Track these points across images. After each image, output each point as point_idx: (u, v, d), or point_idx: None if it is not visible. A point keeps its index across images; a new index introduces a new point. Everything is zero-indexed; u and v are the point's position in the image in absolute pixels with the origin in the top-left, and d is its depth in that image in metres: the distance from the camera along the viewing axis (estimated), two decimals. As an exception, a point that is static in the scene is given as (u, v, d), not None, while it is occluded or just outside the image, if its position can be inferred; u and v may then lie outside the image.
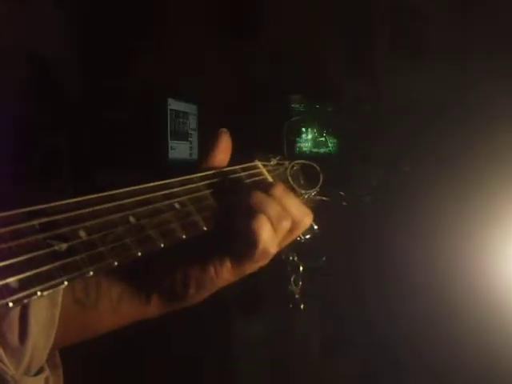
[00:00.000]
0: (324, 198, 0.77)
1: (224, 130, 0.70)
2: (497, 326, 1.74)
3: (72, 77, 2.16)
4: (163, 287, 0.68)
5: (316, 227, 0.72)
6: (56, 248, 0.44)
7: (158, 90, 2.28)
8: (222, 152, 0.69)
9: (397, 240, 1.94)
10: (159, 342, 2.03)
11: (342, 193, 0.83)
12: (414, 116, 2.13)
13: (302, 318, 2.18)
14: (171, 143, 2.30)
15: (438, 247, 1.89)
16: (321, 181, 0.75)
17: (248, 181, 0.70)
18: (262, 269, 0.67)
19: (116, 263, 0.49)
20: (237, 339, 2.26)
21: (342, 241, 1.95)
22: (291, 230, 0.65)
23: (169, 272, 0.67)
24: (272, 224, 0.62)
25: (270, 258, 0.65)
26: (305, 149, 2.26)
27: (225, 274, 0.65)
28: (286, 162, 0.77)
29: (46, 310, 0.64)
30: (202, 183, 0.63)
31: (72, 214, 0.47)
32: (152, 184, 0.57)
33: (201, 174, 0.64)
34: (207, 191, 0.63)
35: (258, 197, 0.63)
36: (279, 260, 0.72)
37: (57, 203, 0.47)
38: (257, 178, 0.71)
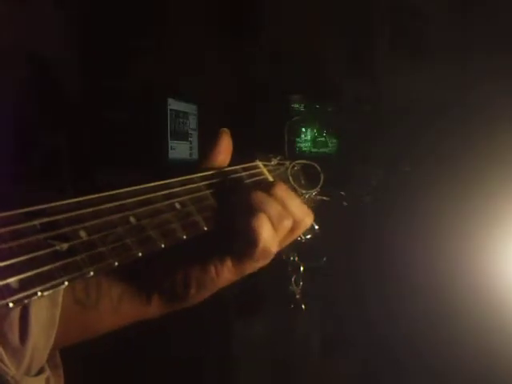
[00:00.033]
0: (325, 198, 0.77)
1: (225, 129, 0.70)
2: (497, 326, 1.74)
3: (72, 77, 2.16)
4: (164, 287, 0.68)
5: (317, 227, 0.72)
6: (57, 248, 0.44)
7: (158, 89, 2.28)
8: (223, 152, 0.68)
9: (397, 240, 1.94)
10: (159, 342, 2.03)
11: (342, 193, 0.83)
12: (414, 116, 2.13)
13: (302, 318, 2.18)
14: (171, 143, 2.30)
15: (438, 247, 1.89)
16: (321, 181, 0.75)
17: (249, 181, 0.70)
18: (262, 269, 0.67)
19: (116, 263, 0.48)
20: (237, 339, 2.26)
21: (342, 241, 1.95)
22: (292, 230, 0.65)
23: (169, 272, 0.67)
24: (273, 223, 0.62)
25: (271, 257, 0.65)
26: (305, 149, 2.26)
27: (226, 273, 0.65)
28: (287, 162, 0.77)
29: (46, 310, 0.63)
30: (203, 183, 0.63)
31: (73, 214, 0.47)
32: (153, 184, 0.57)
33: (201, 174, 0.64)
34: (208, 191, 0.63)
35: (259, 196, 0.63)
36: (280, 260, 0.72)
37: (57, 203, 0.47)
38: (257, 178, 0.71)
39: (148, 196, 0.56)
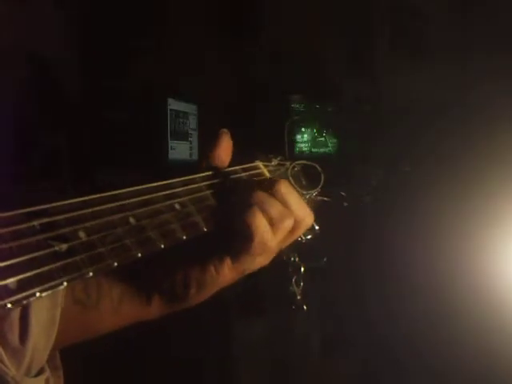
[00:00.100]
0: (325, 199, 0.77)
1: (225, 130, 0.70)
2: (497, 326, 1.74)
3: (72, 77, 2.16)
4: (164, 288, 0.68)
5: (317, 227, 0.72)
6: (56, 248, 0.44)
7: (158, 90, 2.28)
8: (223, 152, 0.68)
9: (397, 240, 1.94)
10: (159, 342, 2.03)
11: (342, 193, 0.83)
12: (414, 116, 2.13)
13: (302, 318, 2.18)
14: (171, 143, 2.29)
15: (437, 247, 1.89)
16: (322, 181, 0.75)
17: (249, 181, 0.69)
18: (263, 269, 0.67)
19: (116, 264, 0.48)
20: (237, 340, 2.26)
21: (343, 241, 1.95)
22: (293, 230, 0.65)
23: (169, 272, 0.67)
24: (274, 223, 0.62)
25: (271, 254, 0.65)
26: (305, 149, 2.26)
27: (225, 273, 0.65)
28: (287, 163, 0.76)
29: (46, 310, 0.63)
30: (204, 183, 0.63)
31: (72, 214, 0.47)
32: (154, 184, 0.57)
33: (202, 175, 0.64)
34: (208, 191, 0.63)
35: (260, 196, 0.63)
36: (280, 261, 0.72)
37: (57, 204, 0.47)
38: (258, 179, 0.71)
39: (148, 196, 0.56)
